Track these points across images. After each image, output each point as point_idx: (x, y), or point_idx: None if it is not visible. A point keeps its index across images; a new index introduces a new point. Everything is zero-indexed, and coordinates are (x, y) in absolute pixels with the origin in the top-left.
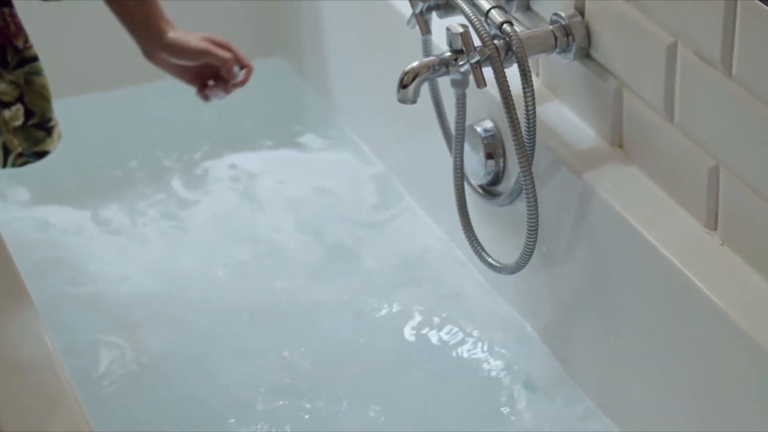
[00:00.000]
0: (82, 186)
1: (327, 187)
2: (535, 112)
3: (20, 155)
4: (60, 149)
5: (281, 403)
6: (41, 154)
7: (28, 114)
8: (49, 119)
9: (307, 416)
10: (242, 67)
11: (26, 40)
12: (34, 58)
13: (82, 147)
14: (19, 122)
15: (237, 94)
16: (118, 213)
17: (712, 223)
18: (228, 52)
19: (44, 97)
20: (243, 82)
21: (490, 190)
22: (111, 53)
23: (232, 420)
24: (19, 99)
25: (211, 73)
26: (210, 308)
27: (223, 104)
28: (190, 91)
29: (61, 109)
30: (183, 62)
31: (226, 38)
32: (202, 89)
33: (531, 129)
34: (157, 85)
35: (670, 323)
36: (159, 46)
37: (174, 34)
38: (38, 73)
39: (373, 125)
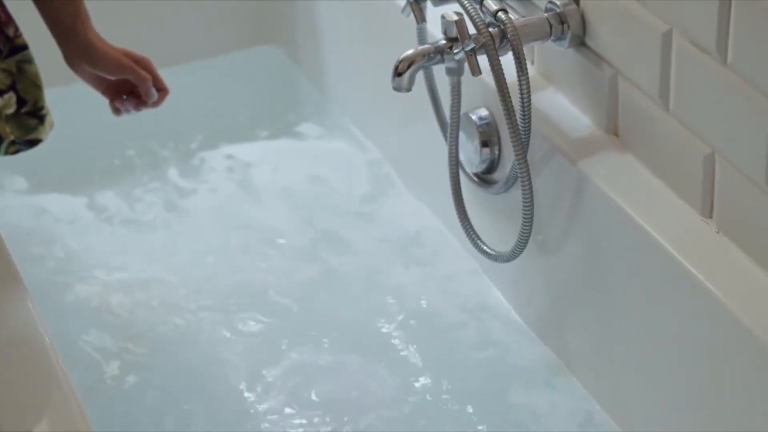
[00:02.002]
0: (78, 174)
1: (322, 176)
2: (530, 100)
3: (13, 143)
4: (56, 138)
5: (280, 387)
6: (33, 142)
7: (21, 102)
8: (42, 107)
9: (305, 400)
10: (159, 89)
11: (16, 29)
12: (25, 47)
13: (78, 136)
14: (11, 110)
15: (232, 81)
16: (115, 201)
17: (707, 211)
18: (147, 73)
19: (36, 85)
20: (156, 104)
21: (485, 178)
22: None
23: (233, 405)
24: (12, 87)
25: (126, 88)
26: (206, 295)
27: (219, 92)
28: (184, 80)
29: (57, 98)
30: (103, 74)
31: (146, 56)
32: (114, 101)
33: (526, 117)
34: None
35: (665, 311)
36: (84, 56)
37: (100, 45)
38: (30, 61)
39: (369, 113)
